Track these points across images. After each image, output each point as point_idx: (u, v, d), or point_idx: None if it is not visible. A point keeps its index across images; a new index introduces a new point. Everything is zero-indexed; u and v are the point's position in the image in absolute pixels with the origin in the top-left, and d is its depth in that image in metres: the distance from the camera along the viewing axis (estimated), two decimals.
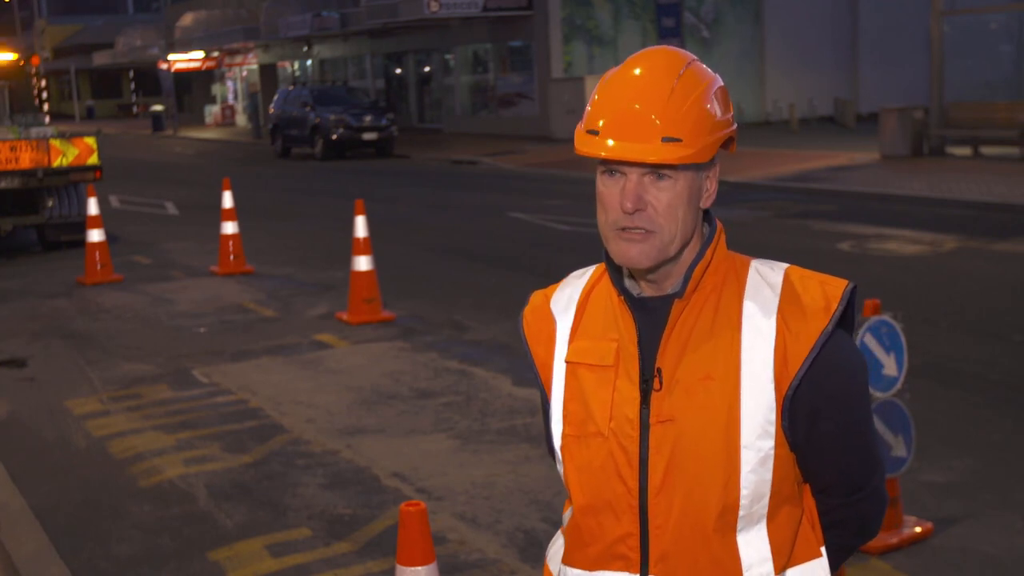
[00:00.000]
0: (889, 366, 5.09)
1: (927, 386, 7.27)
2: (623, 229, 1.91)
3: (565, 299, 2.12)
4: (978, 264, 11.84)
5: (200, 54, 51.98)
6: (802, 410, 1.94)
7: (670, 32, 27.71)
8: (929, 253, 12.44)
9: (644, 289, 2.00)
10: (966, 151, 21.18)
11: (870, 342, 5.01)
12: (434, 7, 31.39)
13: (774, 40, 35.01)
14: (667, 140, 1.86)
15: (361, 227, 9.98)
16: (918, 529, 5.22)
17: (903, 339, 5.13)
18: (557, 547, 2.19)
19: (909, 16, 34.23)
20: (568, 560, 2.10)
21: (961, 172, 18.86)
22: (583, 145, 1.92)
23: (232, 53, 52.00)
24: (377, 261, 10.24)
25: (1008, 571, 4.98)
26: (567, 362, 2.06)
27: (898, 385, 5.12)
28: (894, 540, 5.11)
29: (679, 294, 1.95)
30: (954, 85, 21.59)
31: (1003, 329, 8.97)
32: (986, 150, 20.95)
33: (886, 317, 5.10)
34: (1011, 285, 10.71)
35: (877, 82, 34.84)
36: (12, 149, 14.33)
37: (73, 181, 14.76)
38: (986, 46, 22.51)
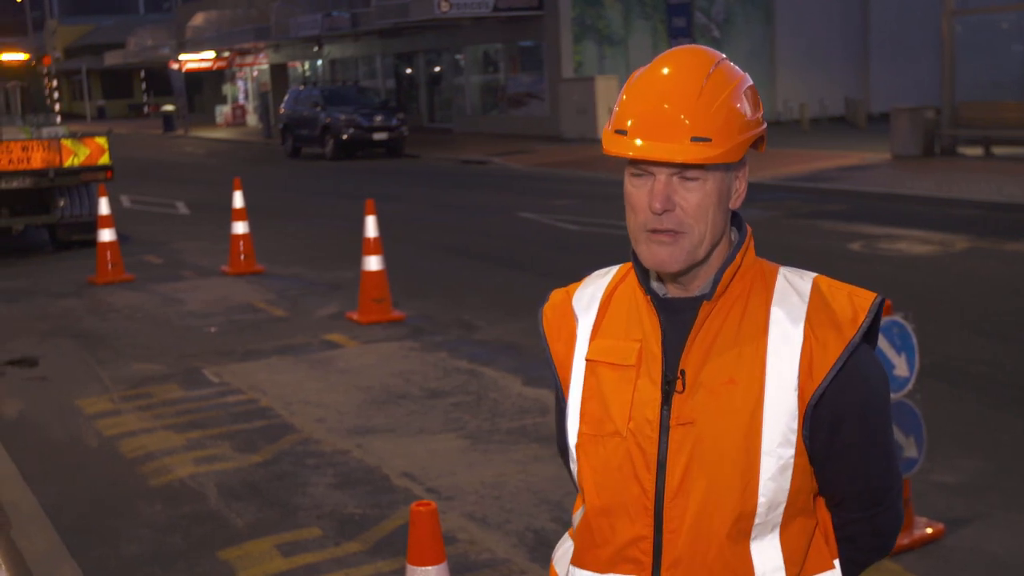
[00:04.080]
0: (900, 367, 5.08)
1: (937, 387, 7.26)
2: (653, 231, 1.89)
3: (587, 297, 2.09)
4: (989, 265, 11.80)
5: (211, 54, 52.09)
6: (823, 420, 1.92)
7: (680, 32, 27.68)
8: (940, 253, 12.41)
9: (670, 290, 1.98)
10: (977, 151, 21.13)
11: (881, 343, 5.00)
12: (445, 7, 31.41)
13: (785, 40, 34.95)
14: (696, 140, 1.84)
15: (371, 227, 9.99)
16: (929, 530, 5.21)
17: (914, 340, 5.12)
18: (564, 549, 2.17)
19: (920, 16, 34.15)
20: (578, 561, 2.07)
21: (972, 172, 18.81)
22: (611, 145, 1.90)
23: (243, 53, 52.10)
24: (387, 261, 10.25)
25: (1018, 572, 4.97)
26: (587, 360, 2.03)
27: (909, 386, 5.11)
28: (905, 541, 5.10)
29: (708, 296, 1.94)
30: (965, 85, 21.54)
31: (1013, 330, 8.95)
32: (997, 150, 20.90)
33: (897, 318, 5.09)
34: (1021, 286, 10.67)
35: (888, 82, 34.78)
36: (24, 149, 14.38)
37: (84, 181, 14.80)
38: (997, 46, 22.44)
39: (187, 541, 5.60)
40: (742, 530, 1.93)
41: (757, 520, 1.92)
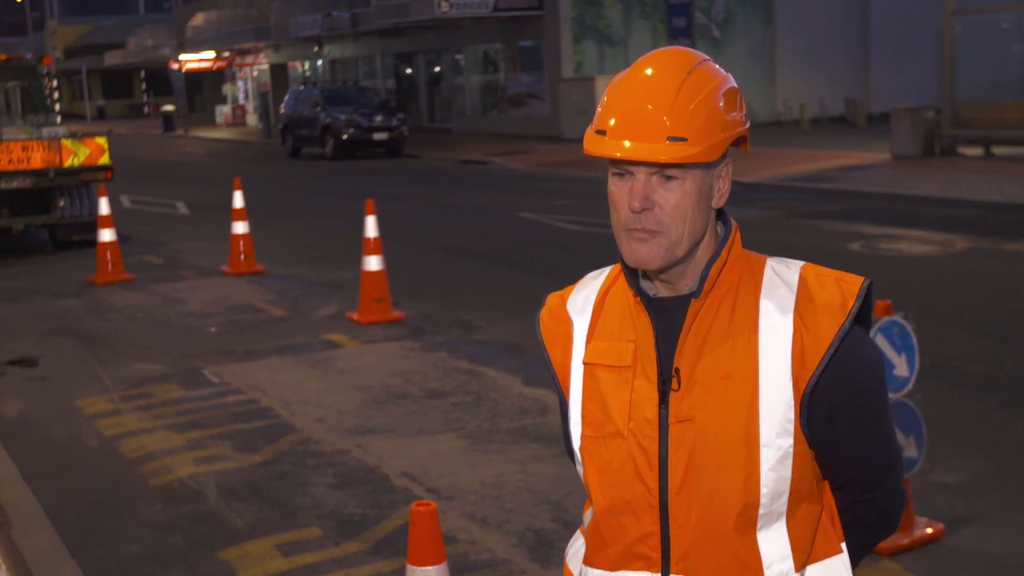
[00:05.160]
0: (900, 367, 5.08)
1: (937, 387, 7.26)
2: (632, 229, 1.92)
3: (581, 300, 2.12)
4: (989, 265, 11.80)
5: (211, 54, 52.10)
6: (820, 407, 1.95)
7: (681, 32, 27.69)
8: (940, 253, 12.41)
9: (660, 290, 2.00)
10: (977, 151, 21.13)
11: (881, 343, 5.00)
12: (445, 7, 31.41)
13: (785, 40, 34.96)
14: (672, 139, 1.86)
15: (371, 227, 9.99)
16: (929, 530, 5.21)
17: (914, 339, 5.12)
18: (577, 547, 2.20)
19: (921, 16, 34.16)
20: (589, 561, 2.10)
21: (972, 172, 18.81)
22: (591, 145, 1.93)
23: (243, 53, 52.11)
24: (387, 261, 10.25)
25: (1018, 573, 4.96)
26: (584, 363, 2.06)
27: (909, 386, 5.11)
28: (905, 541, 5.10)
29: (696, 294, 1.96)
30: (966, 85, 21.53)
31: (1013, 330, 8.95)
32: (998, 150, 20.90)
33: (897, 317, 5.09)
34: (1021, 286, 10.67)
35: (888, 82, 34.79)
36: (24, 149, 14.38)
37: (84, 181, 14.80)
38: (998, 46, 22.44)
39: (187, 541, 5.60)
40: (748, 521, 1.95)
41: (762, 510, 1.95)
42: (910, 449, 5.14)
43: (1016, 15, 22.20)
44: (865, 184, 18.36)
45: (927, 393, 5.90)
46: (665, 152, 1.86)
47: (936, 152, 21.37)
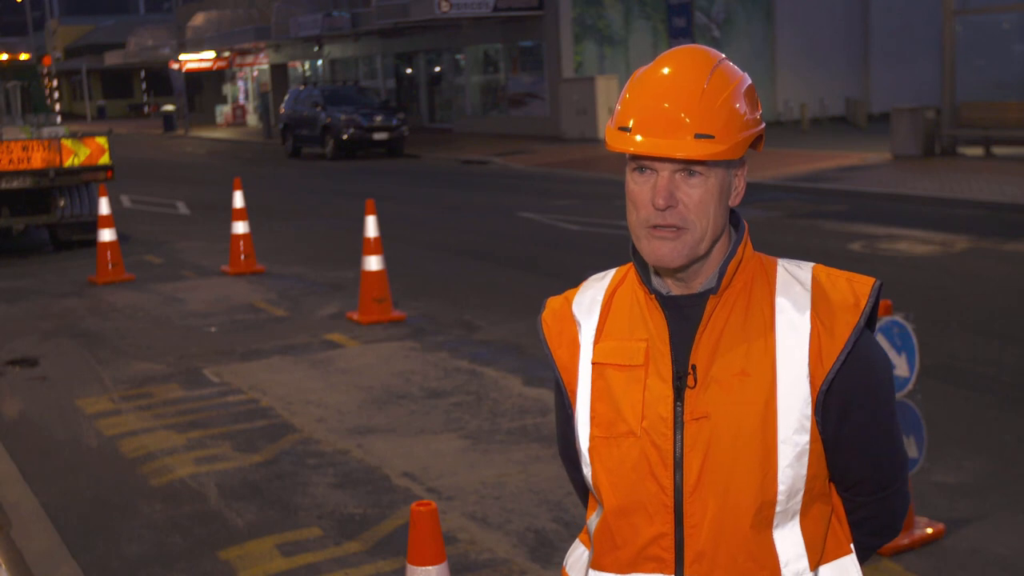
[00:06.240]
0: (901, 367, 5.08)
1: (938, 387, 7.26)
2: (654, 227, 1.92)
3: (588, 301, 2.11)
4: (989, 265, 11.80)
5: (211, 54, 52.11)
6: (834, 405, 1.96)
7: (681, 32, 27.68)
8: (940, 253, 12.41)
9: (672, 288, 2.00)
10: (978, 151, 21.13)
11: (881, 343, 5.00)
12: (445, 7, 31.41)
13: (785, 40, 34.95)
14: (699, 137, 1.87)
15: (371, 227, 9.99)
16: (930, 530, 5.21)
17: (915, 340, 5.12)
18: (577, 555, 2.18)
19: (921, 16, 34.16)
20: (598, 565, 2.08)
21: (973, 172, 18.81)
22: (615, 141, 1.93)
23: (243, 53, 52.11)
24: (387, 261, 10.25)
25: (1019, 573, 4.96)
26: (593, 363, 2.05)
27: (909, 386, 5.12)
28: (905, 541, 5.10)
29: (714, 291, 1.96)
30: (966, 85, 21.53)
31: (1014, 330, 8.95)
32: (998, 150, 20.90)
33: (897, 318, 5.09)
34: (1022, 286, 10.67)
35: (889, 82, 34.78)
36: (24, 149, 14.38)
37: (85, 181, 14.80)
38: (999, 46, 22.42)
39: (188, 541, 5.60)
40: (764, 519, 1.95)
41: (778, 508, 1.95)
42: (910, 449, 5.14)
43: (1017, 15, 22.19)
44: (865, 184, 18.36)
45: (927, 393, 5.91)
46: (693, 149, 1.87)
47: (936, 152, 21.37)
